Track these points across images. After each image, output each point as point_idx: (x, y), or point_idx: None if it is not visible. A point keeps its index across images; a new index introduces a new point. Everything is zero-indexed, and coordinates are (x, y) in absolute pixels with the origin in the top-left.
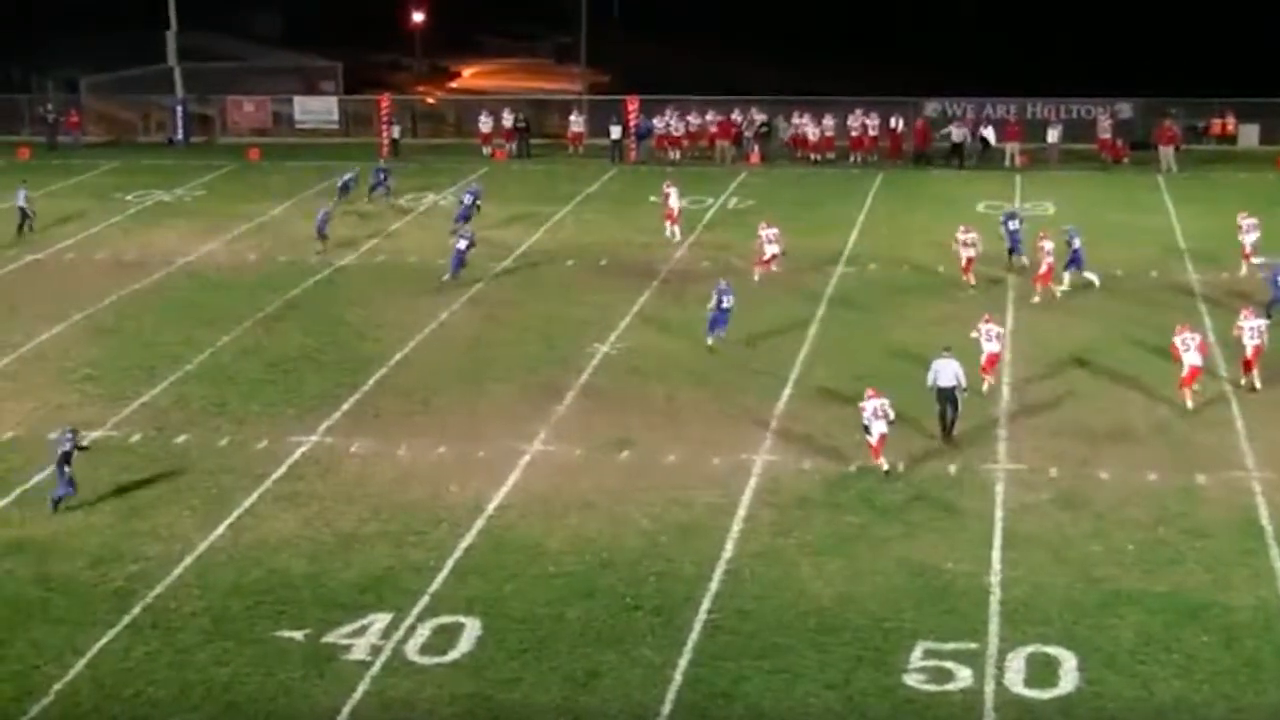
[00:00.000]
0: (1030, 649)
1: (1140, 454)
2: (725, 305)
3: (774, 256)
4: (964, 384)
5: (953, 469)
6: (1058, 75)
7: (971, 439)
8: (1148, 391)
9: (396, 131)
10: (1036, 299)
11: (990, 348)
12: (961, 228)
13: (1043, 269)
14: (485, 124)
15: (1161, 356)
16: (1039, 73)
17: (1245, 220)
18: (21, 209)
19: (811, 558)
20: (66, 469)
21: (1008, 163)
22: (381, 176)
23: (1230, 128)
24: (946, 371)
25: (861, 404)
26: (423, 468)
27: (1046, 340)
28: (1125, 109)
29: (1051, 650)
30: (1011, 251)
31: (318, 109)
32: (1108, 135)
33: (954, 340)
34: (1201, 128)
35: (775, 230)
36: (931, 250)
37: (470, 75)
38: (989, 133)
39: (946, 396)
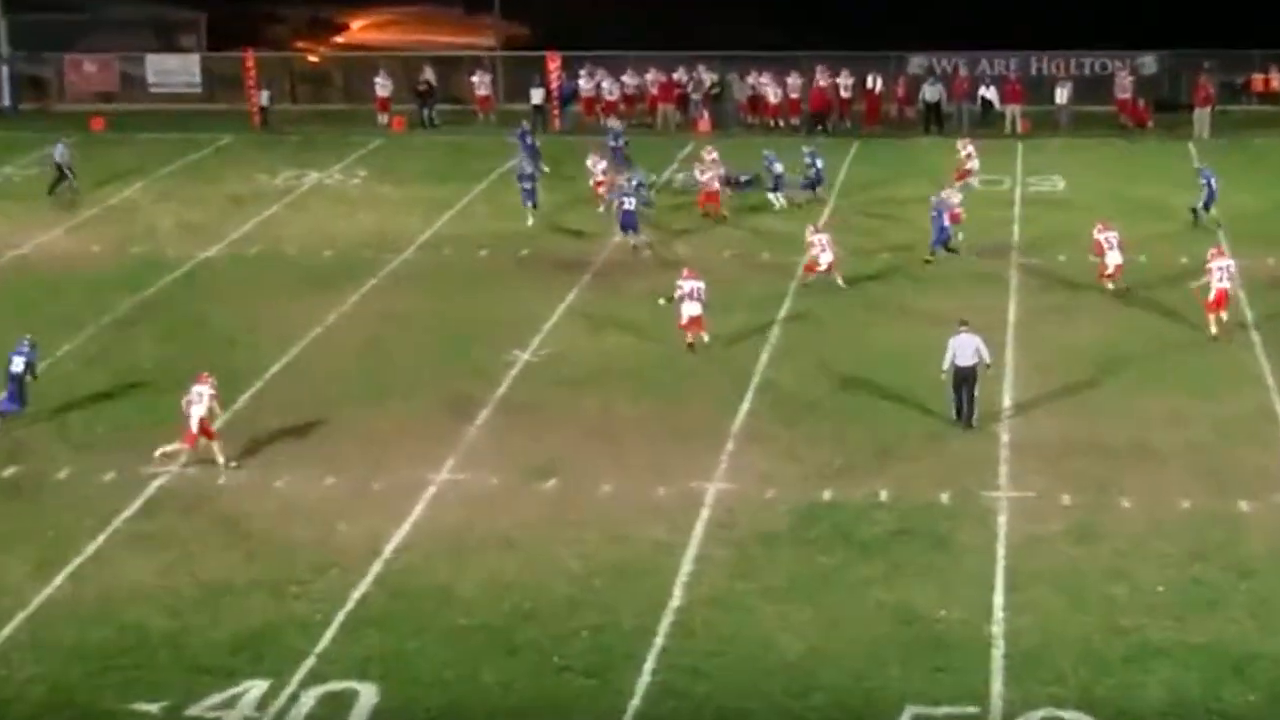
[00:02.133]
0: (1041, 713)
1: (1169, 476)
2: (628, 207)
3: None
4: (988, 359)
5: (945, 496)
6: (1067, 24)
7: (968, 461)
8: (1177, 402)
9: (265, 98)
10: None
11: (825, 257)
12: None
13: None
14: (381, 87)
15: (1197, 356)
16: (1045, 21)
17: (966, 148)
18: (59, 165)
19: (777, 605)
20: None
21: (1008, 129)
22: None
23: (1276, 84)
24: (966, 348)
25: (679, 282)
26: (307, 502)
27: (1055, 342)
28: (1149, 63)
29: (1067, 714)
30: (815, 185)
31: (175, 69)
32: (1128, 95)
33: (944, 334)
34: (1241, 84)
35: (715, 154)
36: (917, 233)
37: (360, 28)
38: (991, 94)
39: (965, 376)
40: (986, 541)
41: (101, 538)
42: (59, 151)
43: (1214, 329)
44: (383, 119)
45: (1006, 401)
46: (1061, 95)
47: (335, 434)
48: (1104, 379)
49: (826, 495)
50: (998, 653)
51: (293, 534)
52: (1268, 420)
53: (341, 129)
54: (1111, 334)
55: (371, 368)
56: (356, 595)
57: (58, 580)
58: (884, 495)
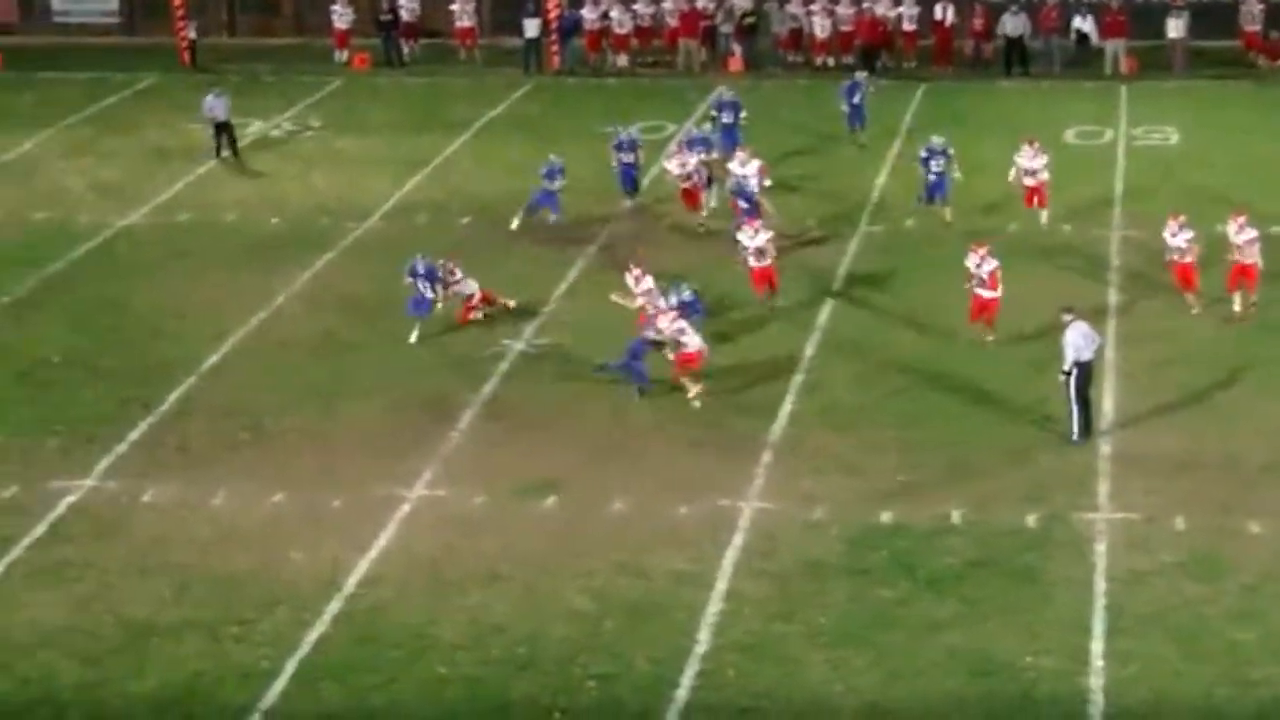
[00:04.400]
0: None
1: None
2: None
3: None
4: (1101, 342)
5: (1032, 520)
6: None
7: (1060, 476)
8: None
9: (193, 31)
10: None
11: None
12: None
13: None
14: (340, 17)
15: None
16: None
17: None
18: (219, 124)
19: (825, 650)
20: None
21: (1109, 69)
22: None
23: None
24: (1088, 340)
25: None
26: (250, 525)
27: (1169, 333)
28: None
29: None
30: (931, 197)
31: None
32: (1257, 27)
33: (1041, 317)
34: None
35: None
36: (999, 198)
37: None
38: (1087, 26)
39: (1090, 376)
40: (1083, 575)
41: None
42: (212, 105)
43: (1238, 306)
44: (341, 56)
45: (1108, 406)
46: (1175, 28)
47: (284, 442)
48: (1230, 379)
49: (887, 517)
50: (1096, 710)
51: (233, 563)
52: None
53: (291, 68)
54: (1241, 325)
55: (330, 361)
56: (311, 638)
57: None
58: (957, 518)
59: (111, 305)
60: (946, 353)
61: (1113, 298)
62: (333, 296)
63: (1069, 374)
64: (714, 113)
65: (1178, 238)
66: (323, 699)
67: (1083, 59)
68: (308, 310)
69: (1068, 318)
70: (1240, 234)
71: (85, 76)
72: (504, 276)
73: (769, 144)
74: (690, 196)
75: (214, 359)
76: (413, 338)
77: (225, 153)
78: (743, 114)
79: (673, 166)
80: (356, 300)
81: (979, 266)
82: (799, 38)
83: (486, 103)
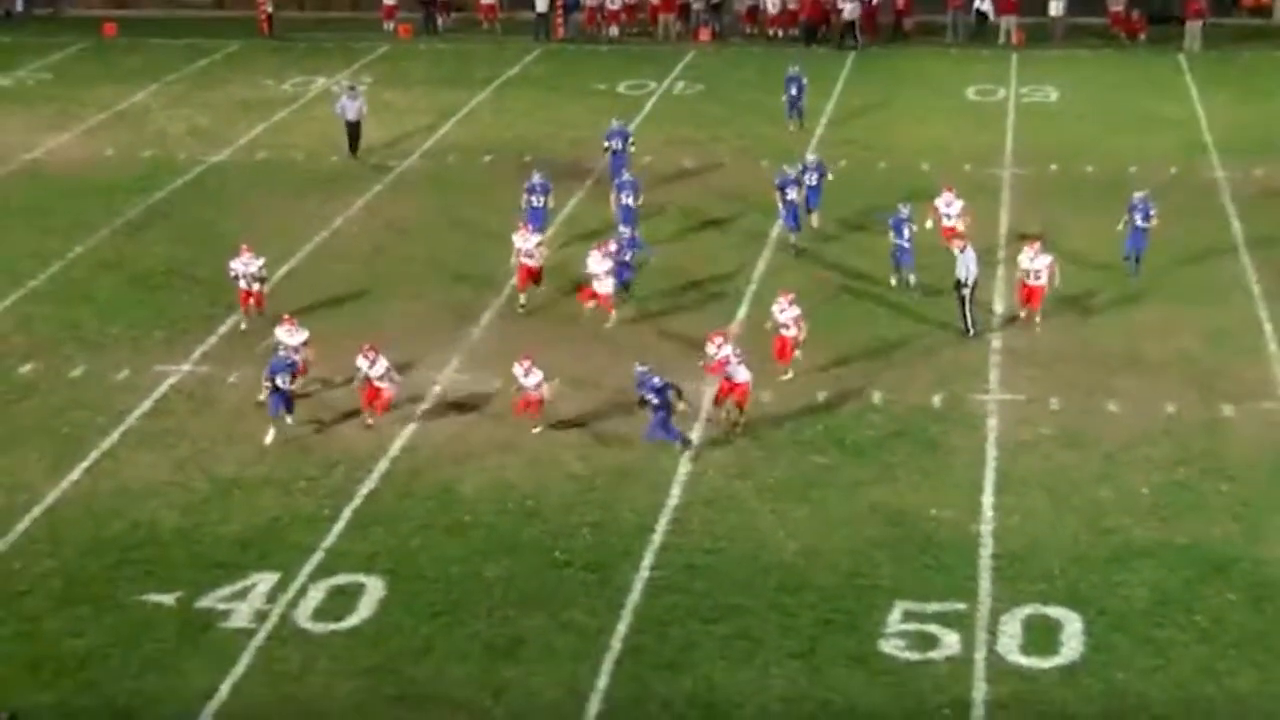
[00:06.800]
0: (1027, 610)
1: (1158, 383)
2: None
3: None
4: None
5: (937, 400)
6: None
7: (959, 366)
8: (1168, 312)
9: (270, 5)
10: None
11: (741, 376)
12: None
13: None
14: None
15: (1187, 268)
16: None
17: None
18: (352, 122)
19: (772, 504)
20: None
21: (1002, 40)
22: None
23: None
24: (975, 261)
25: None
26: (313, 402)
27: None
28: None
29: (1052, 611)
30: (807, 211)
31: None
32: (1120, 7)
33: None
34: None
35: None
36: (914, 144)
37: None
38: (986, 4)
39: (975, 286)
40: (976, 444)
41: (115, 435)
42: (345, 105)
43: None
44: (388, 26)
45: (999, 309)
46: (1055, 7)
47: (340, 336)
48: (1096, 289)
49: (821, 398)
50: (986, 552)
51: (301, 432)
52: (1254, 330)
53: (348, 36)
54: (1104, 245)
55: (376, 271)
56: (363, 492)
57: (73, 476)
58: (878, 399)
59: (204, 226)
60: (867, 269)
61: (1003, 222)
62: (380, 219)
63: (966, 286)
64: (605, 143)
65: (1035, 261)
66: (371, 540)
67: (982, 32)
68: (361, 230)
69: (959, 244)
70: (1034, 260)
71: (183, 43)
72: (516, 205)
73: (729, 99)
74: (526, 274)
75: (285, 269)
76: (268, 438)
77: (349, 151)
78: (630, 141)
79: (518, 240)
80: (399, 222)
81: (949, 205)
82: (755, 13)
83: (504, 64)
